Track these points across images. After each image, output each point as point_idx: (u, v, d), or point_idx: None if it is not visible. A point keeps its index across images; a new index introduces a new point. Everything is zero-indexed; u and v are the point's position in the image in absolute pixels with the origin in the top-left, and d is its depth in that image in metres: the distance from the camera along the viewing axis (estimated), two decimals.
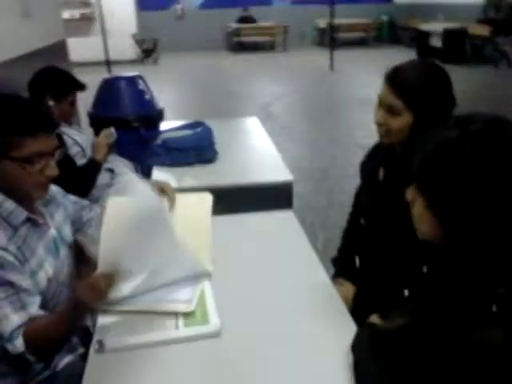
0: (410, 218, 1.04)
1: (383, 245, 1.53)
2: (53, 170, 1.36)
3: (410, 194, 1.01)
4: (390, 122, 1.45)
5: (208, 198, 1.71)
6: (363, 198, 1.71)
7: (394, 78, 1.44)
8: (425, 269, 1.06)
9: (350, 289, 1.66)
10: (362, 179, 1.75)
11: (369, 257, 1.64)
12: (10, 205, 1.34)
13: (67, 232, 1.57)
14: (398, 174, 1.49)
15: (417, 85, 1.40)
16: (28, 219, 1.38)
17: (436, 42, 10.60)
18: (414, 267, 1.10)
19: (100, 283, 1.18)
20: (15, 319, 1.25)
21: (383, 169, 1.60)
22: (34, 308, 1.30)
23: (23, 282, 1.30)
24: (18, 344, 1.25)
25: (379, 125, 1.49)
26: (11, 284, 1.27)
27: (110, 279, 1.18)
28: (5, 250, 1.28)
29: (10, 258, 1.29)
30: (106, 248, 1.24)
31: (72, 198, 1.67)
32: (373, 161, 1.68)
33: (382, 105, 1.47)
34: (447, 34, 10.25)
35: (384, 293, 1.39)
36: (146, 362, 1.20)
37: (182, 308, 1.33)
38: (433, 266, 1.03)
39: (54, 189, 1.55)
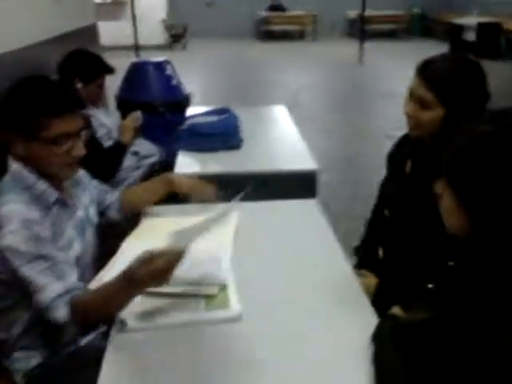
0: (436, 211, 1.02)
1: (407, 237, 1.51)
2: (80, 150, 1.38)
3: (440, 186, 0.99)
4: (420, 115, 1.43)
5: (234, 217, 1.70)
6: (389, 189, 1.69)
7: (426, 71, 1.41)
8: (451, 262, 1.04)
9: (372, 280, 1.64)
10: (388, 170, 1.73)
11: (392, 248, 1.62)
12: (41, 185, 1.36)
13: (93, 213, 1.60)
14: (426, 167, 1.47)
15: (449, 78, 1.37)
16: (58, 200, 1.40)
17: (470, 36, 10.35)
18: (439, 260, 1.08)
19: (163, 266, 1.15)
20: (54, 288, 1.26)
21: (411, 161, 1.57)
22: (73, 278, 1.31)
23: (59, 254, 1.32)
24: (62, 313, 1.24)
25: (409, 117, 1.47)
26: (47, 257, 1.28)
27: (173, 264, 1.17)
28: (41, 224, 1.31)
29: (46, 233, 1.31)
30: (177, 235, 1.23)
31: (94, 182, 1.69)
32: (401, 152, 1.65)
33: (413, 97, 1.44)
34: (481, 28, 10.01)
35: (407, 285, 1.38)
36: (166, 343, 1.21)
37: (204, 290, 1.34)
38: (459, 259, 1.01)
39: (80, 171, 1.57)
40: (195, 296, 1.33)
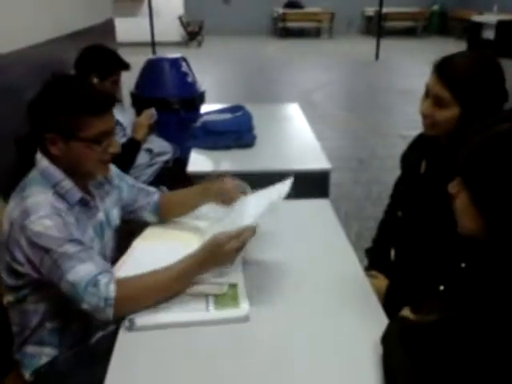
0: (450, 213, 1.01)
1: (420, 238, 1.50)
2: (115, 147, 1.40)
3: (454, 186, 0.98)
4: (436, 114, 1.41)
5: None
6: (402, 189, 1.68)
7: (443, 69, 1.39)
8: (463, 264, 1.03)
9: (382, 281, 1.63)
10: (402, 170, 1.71)
11: (405, 250, 1.61)
12: (67, 183, 1.37)
13: (114, 216, 1.59)
14: (441, 168, 1.45)
15: (466, 77, 1.35)
16: (81, 200, 1.41)
17: (488, 35, 10.20)
18: (451, 262, 1.07)
19: (238, 247, 1.30)
20: (90, 268, 1.25)
21: (426, 161, 1.56)
22: (106, 264, 1.33)
23: (88, 243, 1.35)
24: (104, 292, 1.22)
25: (424, 116, 1.45)
26: (78, 241, 1.29)
27: (243, 244, 1.31)
28: (68, 214, 1.33)
29: (72, 220, 1.33)
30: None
31: (130, 181, 1.68)
32: (415, 152, 1.63)
33: (429, 95, 1.42)
34: (501, 26, 9.85)
35: (418, 287, 1.36)
36: (175, 341, 1.21)
37: (213, 290, 1.34)
38: (472, 261, 1.00)
39: (112, 170, 1.58)
40: (205, 295, 1.33)
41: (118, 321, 1.27)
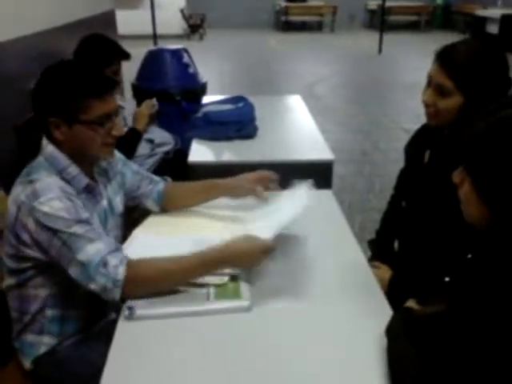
0: (455, 203, 0.99)
1: (424, 228, 1.48)
2: (119, 129, 1.40)
3: (458, 175, 0.95)
4: (439, 103, 1.39)
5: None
6: (406, 180, 1.65)
7: (445, 57, 1.36)
8: (469, 255, 1.01)
9: (385, 272, 1.61)
10: (405, 162, 1.69)
11: (409, 240, 1.59)
12: (73, 170, 1.36)
13: (118, 203, 1.58)
14: (445, 157, 1.43)
15: (469, 65, 1.33)
16: (88, 186, 1.40)
17: (492, 29, 10.15)
18: (457, 252, 1.04)
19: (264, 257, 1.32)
20: (100, 246, 1.24)
21: (429, 151, 1.53)
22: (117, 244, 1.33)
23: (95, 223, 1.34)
24: (113, 272, 1.22)
25: (427, 105, 1.43)
26: (88, 222, 1.28)
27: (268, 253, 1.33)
28: (77, 197, 1.32)
29: (80, 203, 1.32)
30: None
31: (134, 167, 1.66)
32: (418, 143, 1.61)
33: (431, 84, 1.40)
34: (505, 21, 9.80)
35: (422, 278, 1.34)
36: (175, 331, 1.19)
37: (214, 280, 1.32)
38: (478, 252, 0.98)
39: (116, 155, 1.56)
40: (206, 285, 1.31)
41: (118, 310, 1.26)
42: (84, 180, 1.39)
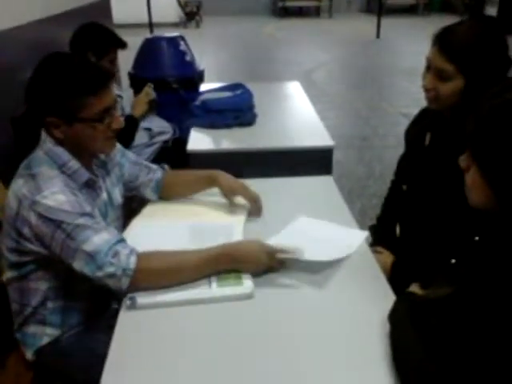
0: (458, 185, 0.98)
1: (426, 211, 1.47)
2: (118, 122, 1.38)
3: (464, 160, 0.94)
4: (439, 87, 1.37)
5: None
6: (407, 163, 1.64)
7: (444, 40, 1.34)
8: (477, 238, 1.00)
9: (387, 257, 1.60)
10: (406, 146, 1.68)
11: (410, 225, 1.58)
12: (74, 164, 1.34)
13: (117, 195, 1.57)
14: (446, 139, 1.42)
15: (469, 47, 1.31)
16: (89, 180, 1.39)
17: (492, 11, 10.06)
18: (463, 235, 1.04)
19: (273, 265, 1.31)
20: (106, 237, 1.23)
21: (430, 133, 1.52)
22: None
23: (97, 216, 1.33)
24: (125, 262, 1.21)
25: (427, 90, 1.41)
26: (91, 215, 1.28)
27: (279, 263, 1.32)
28: (78, 191, 1.31)
29: (82, 196, 1.32)
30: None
31: (132, 157, 1.65)
32: (418, 126, 1.60)
33: (431, 68, 1.38)
34: (504, 3, 9.71)
35: (426, 261, 1.34)
36: (176, 320, 1.19)
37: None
38: (485, 234, 0.97)
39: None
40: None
41: (119, 300, 1.26)
42: (85, 174, 1.37)
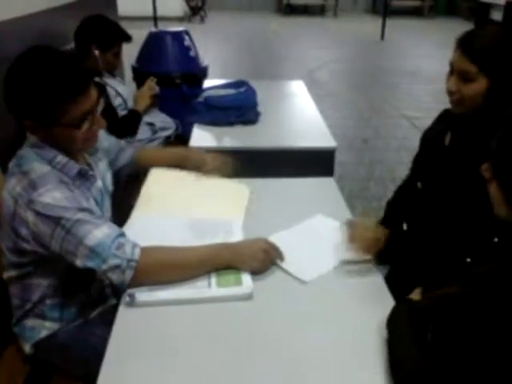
0: (477, 186, 1.01)
1: (440, 210, 1.48)
2: (99, 123, 1.36)
3: (486, 171, 0.95)
4: (463, 89, 1.39)
5: (245, 191, 1.75)
6: (424, 162, 1.63)
7: (467, 43, 1.37)
8: (495, 239, 1.01)
9: (381, 230, 1.48)
10: (422, 146, 1.68)
11: (420, 223, 1.58)
12: (62, 158, 1.32)
13: (109, 181, 1.57)
14: (468, 140, 1.43)
15: (491, 47, 1.35)
16: (80, 171, 1.37)
17: (496, 16, 10.04)
18: (481, 235, 1.04)
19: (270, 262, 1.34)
20: (107, 231, 1.23)
21: (450, 133, 1.53)
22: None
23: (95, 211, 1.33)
24: (131, 252, 1.21)
25: (451, 93, 1.43)
26: (90, 210, 1.27)
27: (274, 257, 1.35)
28: (73, 185, 1.31)
29: (78, 191, 1.32)
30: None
31: (111, 140, 1.70)
32: (439, 126, 1.61)
33: (455, 72, 1.41)
34: (510, 7, 9.68)
35: (434, 260, 1.34)
36: (175, 318, 1.19)
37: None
38: (505, 237, 0.97)
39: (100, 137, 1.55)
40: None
41: (118, 295, 1.25)
42: (75, 166, 1.35)
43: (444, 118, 1.60)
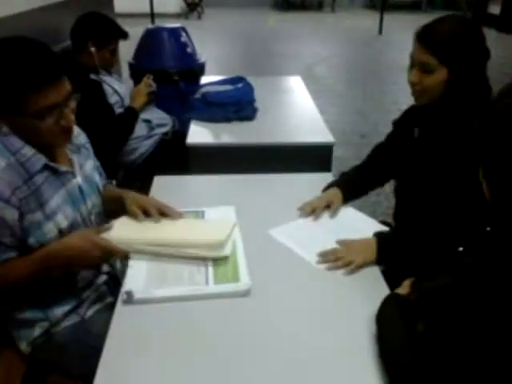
0: (449, 175, 1.07)
1: (419, 203, 1.52)
2: (67, 119, 1.30)
3: (480, 174, 0.94)
4: (424, 80, 1.43)
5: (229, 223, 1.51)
6: (396, 156, 1.68)
7: (425, 35, 1.41)
8: (488, 228, 1.01)
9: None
10: (391, 137, 1.75)
11: (405, 218, 1.64)
12: (28, 150, 1.29)
13: (97, 179, 1.54)
14: (434, 133, 1.48)
15: (448, 39, 1.38)
16: (46, 166, 1.33)
17: (494, 9, 10.03)
18: (473, 225, 1.04)
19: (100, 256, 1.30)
20: None
21: (418, 129, 1.58)
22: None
23: (4, 237, 1.27)
24: None
25: (413, 85, 1.47)
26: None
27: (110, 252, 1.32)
28: (7, 202, 1.24)
29: (5, 211, 1.24)
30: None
31: (97, 162, 1.63)
32: (406, 122, 1.65)
33: (415, 64, 1.45)
34: (507, 1, 9.67)
35: (427, 254, 1.36)
36: (173, 315, 1.19)
37: (212, 254, 1.33)
38: (496, 226, 0.97)
39: (84, 138, 1.54)
40: (204, 268, 1.31)
41: (115, 293, 1.24)
42: (40, 161, 1.31)
43: (411, 114, 1.65)
